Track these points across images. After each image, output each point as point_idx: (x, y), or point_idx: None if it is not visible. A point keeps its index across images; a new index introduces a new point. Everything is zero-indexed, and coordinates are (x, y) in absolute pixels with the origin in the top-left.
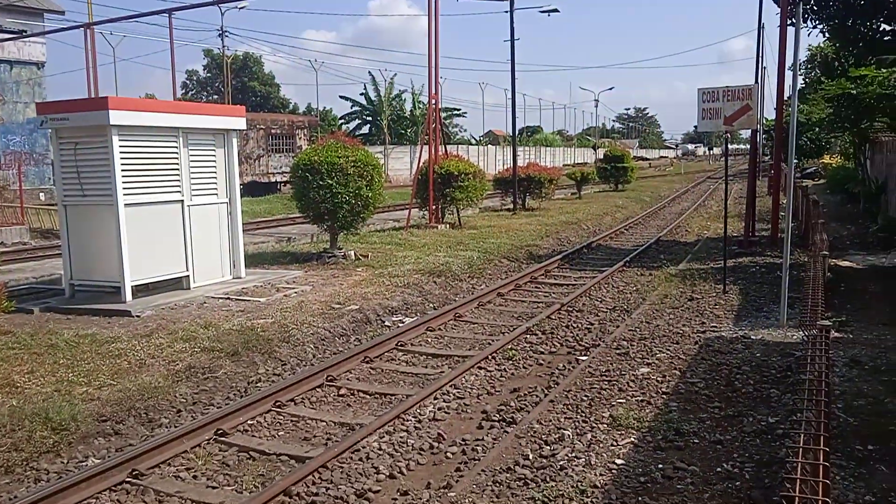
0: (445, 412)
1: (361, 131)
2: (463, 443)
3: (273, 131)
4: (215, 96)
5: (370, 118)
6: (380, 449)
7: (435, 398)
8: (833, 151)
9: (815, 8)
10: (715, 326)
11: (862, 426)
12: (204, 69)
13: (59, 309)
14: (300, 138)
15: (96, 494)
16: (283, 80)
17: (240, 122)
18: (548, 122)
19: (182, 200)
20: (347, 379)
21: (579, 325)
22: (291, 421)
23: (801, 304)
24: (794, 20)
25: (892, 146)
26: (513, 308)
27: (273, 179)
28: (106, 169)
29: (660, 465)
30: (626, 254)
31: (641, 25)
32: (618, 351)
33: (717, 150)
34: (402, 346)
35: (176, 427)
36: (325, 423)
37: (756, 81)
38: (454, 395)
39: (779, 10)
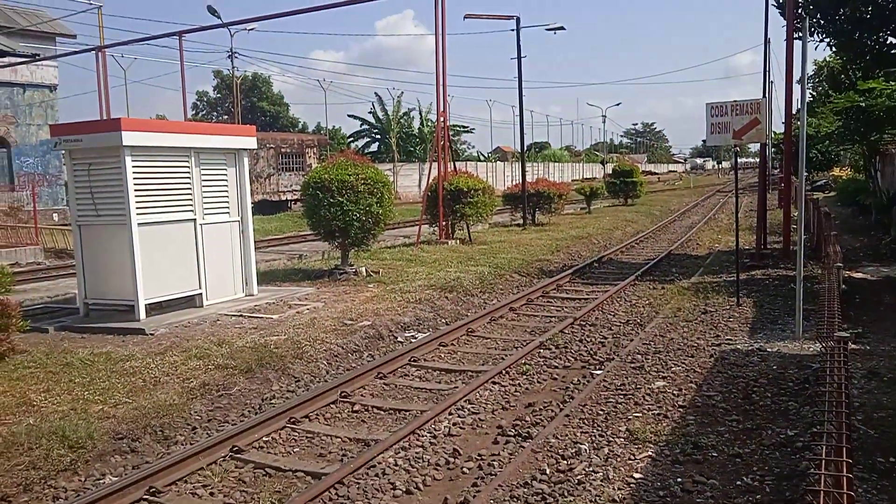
0: (461, 427)
1: (370, 149)
2: (479, 458)
3: (283, 150)
4: (225, 116)
5: (378, 136)
6: (396, 464)
7: (450, 413)
8: (842, 164)
9: (822, 22)
10: (730, 339)
11: (883, 438)
12: (214, 90)
13: (74, 328)
14: (310, 157)
15: None
16: (292, 99)
17: (250, 142)
18: (556, 139)
19: (195, 219)
20: (361, 395)
21: (593, 339)
22: (306, 437)
23: (816, 316)
24: (800, 34)
25: None
26: (525, 322)
27: (284, 197)
28: (119, 189)
29: (678, 479)
30: (637, 268)
31: (647, 41)
32: (632, 364)
33: (725, 164)
34: (415, 361)
35: (192, 444)
36: (340, 440)
37: (764, 95)
38: (469, 410)
39: (785, 24)
